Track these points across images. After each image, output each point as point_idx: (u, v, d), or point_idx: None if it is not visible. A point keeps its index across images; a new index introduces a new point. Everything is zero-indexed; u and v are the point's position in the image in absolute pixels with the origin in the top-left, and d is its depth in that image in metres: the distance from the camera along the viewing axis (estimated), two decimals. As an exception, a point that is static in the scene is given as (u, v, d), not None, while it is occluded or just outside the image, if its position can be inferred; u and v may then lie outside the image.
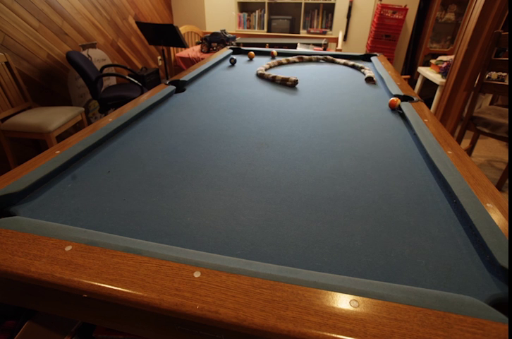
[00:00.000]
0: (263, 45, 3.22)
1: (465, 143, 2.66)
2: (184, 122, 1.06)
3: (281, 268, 0.47)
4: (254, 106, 1.21)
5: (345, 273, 0.49)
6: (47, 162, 0.75)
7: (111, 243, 0.51)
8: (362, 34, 3.91)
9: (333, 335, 0.37)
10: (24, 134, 1.89)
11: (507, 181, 2.17)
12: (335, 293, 0.42)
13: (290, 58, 1.79)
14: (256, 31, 4.26)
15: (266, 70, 1.64)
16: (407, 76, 3.75)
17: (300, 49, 3.07)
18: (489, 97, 3.03)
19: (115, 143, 0.91)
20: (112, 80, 3.03)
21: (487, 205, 0.61)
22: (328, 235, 0.57)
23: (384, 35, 3.64)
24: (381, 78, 1.54)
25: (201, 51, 3.26)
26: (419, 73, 3.18)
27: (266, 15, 4.10)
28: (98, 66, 2.80)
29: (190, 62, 3.18)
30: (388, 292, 0.42)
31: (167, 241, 0.55)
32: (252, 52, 1.99)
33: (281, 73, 1.67)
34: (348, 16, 3.81)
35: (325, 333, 0.37)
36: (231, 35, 3.17)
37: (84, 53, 2.67)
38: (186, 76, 1.50)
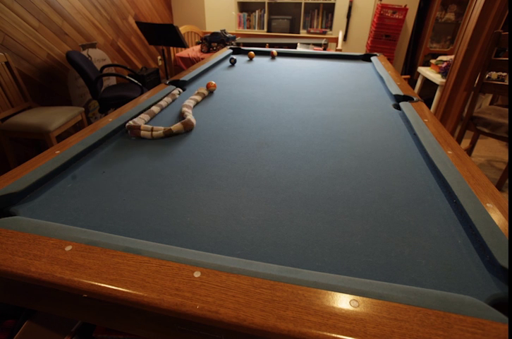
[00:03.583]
0: (263, 45, 3.22)
1: (465, 143, 2.66)
2: (184, 122, 1.06)
3: (281, 268, 0.47)
4: (254, 106, 1.21)
5: (345, 273, 0.49)
6: (47, 162, 0.74)
7: (111, 243, 0.51)
8: (362, 34, 3.91)
9: (333, 335, 0.37)
10: (24, 134, 1.89)
11: (507, 181, 2.17)
12: (335, 293, 0.42)
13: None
14: (256, 31, 4.26)
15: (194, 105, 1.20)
16: (407, 76, 3.75)
17: (300, 49, 3.07)
18: (489, 97, 3.03)
19: (115, 143, 0.91)
20: (112, 80, 3.03)
21: (487, 205, 0.61)
22: (328, 235, 0.57)
23: (383, 35, 3.64)
24: (381, 78, 1.54)
25: (201, 51, 3.26)
26: (419, 73, 3.18)
27: (266, 15, 4.10)
28: (98, 66, 2.80)
29: (190, 62, 3.18)
30: (388, 291, 0.42)
31: (167, 241, 0.55)
32: (252, 52, 1.99)
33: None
34: (348, 16, 3.81)
35: (325, 333, 0.37)
36: (231, 35, 3.17)
37: (84, 53, 2.67)
38: (186, 76, 1.50)
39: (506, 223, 0.56)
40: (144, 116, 1.03)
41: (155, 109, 1.10)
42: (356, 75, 1.65)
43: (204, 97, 1.30)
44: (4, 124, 1.89)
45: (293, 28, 4.13)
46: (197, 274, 0.45)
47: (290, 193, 0.69)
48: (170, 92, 1.29)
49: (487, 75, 2.24)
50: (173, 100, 1.26)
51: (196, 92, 1.28)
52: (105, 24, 2.91)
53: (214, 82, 1.35)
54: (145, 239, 0.55)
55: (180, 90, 1.32)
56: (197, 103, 1.23)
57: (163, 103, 1.15)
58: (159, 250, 0.49)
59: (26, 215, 0.61)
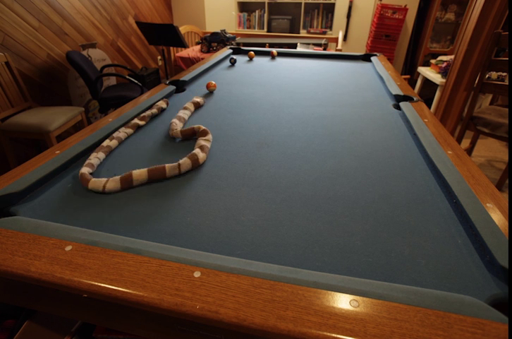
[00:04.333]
0: (263, 45, 3.22)
1: (465, 143, 2.66)
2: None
3: (281, 268, 0.47)
4: (254, 106, 1.21)
5: (345, 273, 0.49)
6: (47, 162, 0.74)
7: (111, 243, 0.51)
8: (362, 34, 3.91)
9: (333, 334, 0.37)
10: (24, 134, 1.89)
11: (507, 181, 2.17)
12: (335, 293, 0.42)
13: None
14: (256, 31, 4.26)
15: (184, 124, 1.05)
16: (407, 76, 3.75)
17: (300, 49, 3.07)
18: (489, 97, 3.03)
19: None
20: (112, 80, 3.03)
21: (487, 205, 0.61)
22: (328, 235, 0.57)
23: (383, 35, 3.64)
24: (381, 78, 1.54)
25: (201, 51, 3.26)
26: (419, 73, 3.18)
27: (266, 15, 4.10)
28: (98, 66, 2.80)
29: (190, 62, 3.18)
30: (388, 292, 0.42)
31: (167, 241, 0.55)
32: (252, 52, 1.99)
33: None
34: (348, 16, 3.81)
35: (325, 333, 0.37)
36: (231, 35, 3.17)
37: (84, 53, 2.67)
38: (186, 76, 1.50)
39: (506, 223, 0.56)
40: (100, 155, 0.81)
41: (113, 143, 0.87)
42: (356, 75, 1.65)
43: (200, 106, 1.19)
44: (4, 124, 1.89)
45: (293, 28, 4.13)
46: (197, 274, 0.45)
47: (290, 193, 0.69)
48: (154, 103, 1.15)
49: (487, 75, 2.24)
50: (159, 112, 1.12)
51: (191, 101, 1.17)
52: (105, 24, 2.91)
53: (213, 82, 1.34)
54: (145, 239, 0.55)
55: (168, 102, 1.17)
56: (191, 113, 1.12)
57: (121, 135, 0.92)
58: (159, 250, 0.49)
59: (26, 215, 0.61)
